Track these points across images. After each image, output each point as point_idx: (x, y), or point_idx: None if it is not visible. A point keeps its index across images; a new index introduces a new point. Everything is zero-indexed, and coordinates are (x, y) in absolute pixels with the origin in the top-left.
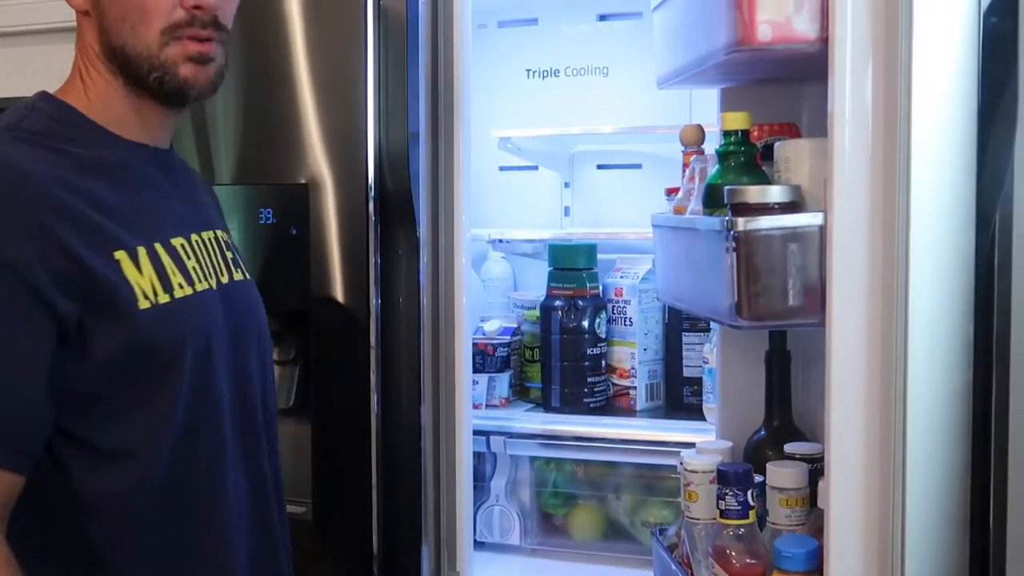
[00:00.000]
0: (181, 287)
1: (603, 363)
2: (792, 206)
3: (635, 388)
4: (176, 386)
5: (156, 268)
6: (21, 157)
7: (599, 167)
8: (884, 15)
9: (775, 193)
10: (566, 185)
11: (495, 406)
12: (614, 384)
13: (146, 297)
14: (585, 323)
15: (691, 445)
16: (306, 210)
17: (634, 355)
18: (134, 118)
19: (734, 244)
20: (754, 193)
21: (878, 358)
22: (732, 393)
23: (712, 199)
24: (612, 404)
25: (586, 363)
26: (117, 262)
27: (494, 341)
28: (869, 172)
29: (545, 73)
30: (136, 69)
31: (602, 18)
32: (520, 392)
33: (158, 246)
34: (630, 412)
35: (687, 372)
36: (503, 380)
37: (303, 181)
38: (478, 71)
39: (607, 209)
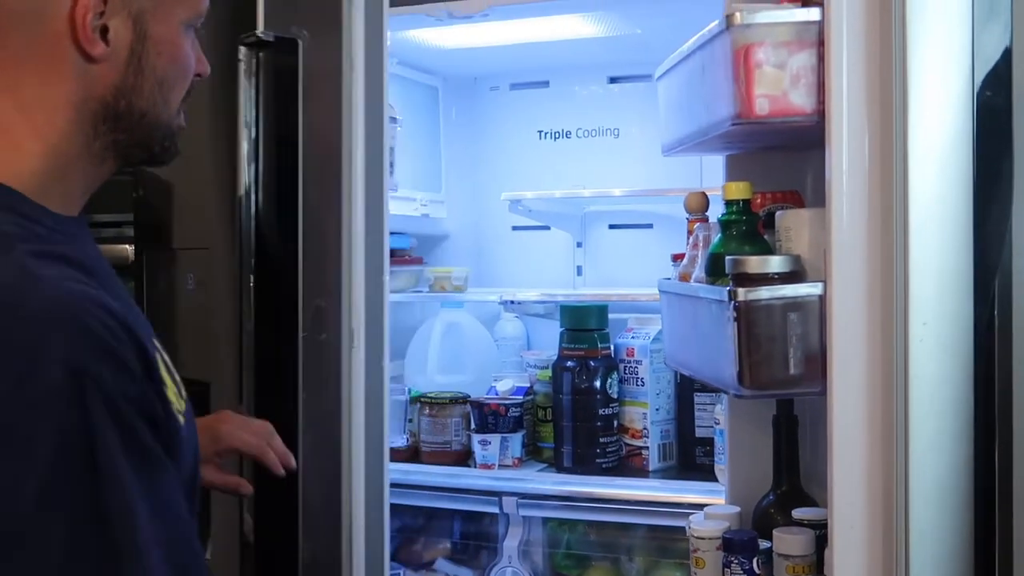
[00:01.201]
0: (180, 383)
1: (615, 423)
2: (792, 276)
3: (647, 448)
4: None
5: (167, 369)
6: (65, 280)
7: (611, 227)
8: (879, 89)
9: (775, 263)
10: (578, 245)
11: (507, 466)
12: (626, 444)
13: (178, 411)
14: (597, 383)
15: (704, 507)
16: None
17: (646, 415)
18: (76, 185)
19: (735, 314)
20: (755, 264)
21: (879, 427)
22: (741, 457)
23: (715, 268)
24: (624, 464)
25: (598, 423)
26: (159, 374)
27: (507, 401)
28: (867, 242)
29: (557, 135)
30: (146, 135)
31: (613, 80)
32: (533, 452)
33: (155, 340)
34: (643, 472)
35: (699, 432)
36: (516, 440)
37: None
38: (491, 132)
39: (619, 268)
